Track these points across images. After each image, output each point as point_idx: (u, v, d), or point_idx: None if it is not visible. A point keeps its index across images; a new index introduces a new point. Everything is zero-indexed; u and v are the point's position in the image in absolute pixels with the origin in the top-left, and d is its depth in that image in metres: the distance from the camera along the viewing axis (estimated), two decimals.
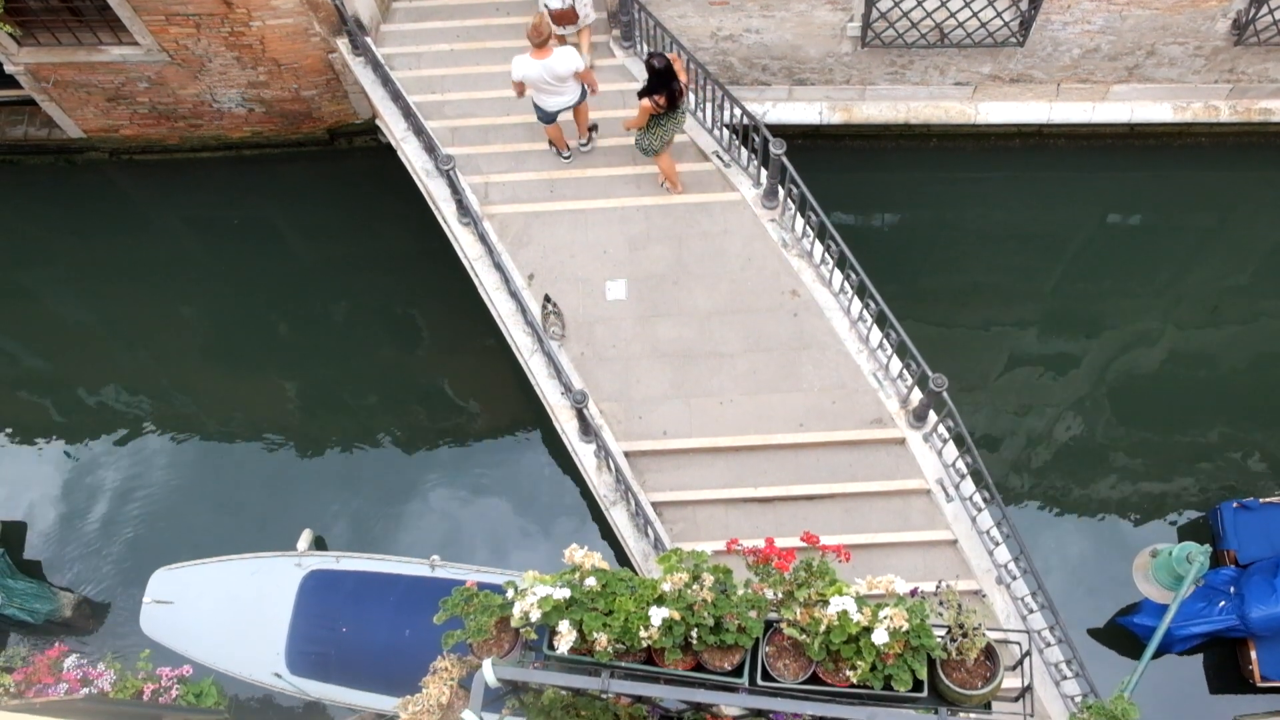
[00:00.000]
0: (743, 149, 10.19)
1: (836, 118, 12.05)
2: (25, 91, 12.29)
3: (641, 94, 9.16)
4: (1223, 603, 9.22)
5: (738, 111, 9.62)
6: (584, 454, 9.17)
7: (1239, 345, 11.38)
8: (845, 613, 5.52)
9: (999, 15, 10.57)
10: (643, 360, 9.54)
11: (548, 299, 9.53)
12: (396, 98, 10.68)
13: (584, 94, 9.88)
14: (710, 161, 10.37)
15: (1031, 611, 8.30)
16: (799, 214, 9.57)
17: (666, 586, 5.74)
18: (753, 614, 5.71)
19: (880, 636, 5.43)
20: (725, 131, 10.23)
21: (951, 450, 8.79)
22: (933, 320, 11.42)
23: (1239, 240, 12.18)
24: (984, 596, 8.54)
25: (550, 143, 10.49)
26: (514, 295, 9.48)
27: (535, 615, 5.69)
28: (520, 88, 9.55)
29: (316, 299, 12.52)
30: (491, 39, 11.45)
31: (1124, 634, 9.62)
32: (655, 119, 9.32)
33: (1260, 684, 9.34)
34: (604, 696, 5.96)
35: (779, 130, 9.98)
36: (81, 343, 12.60)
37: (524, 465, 11.19)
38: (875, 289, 8.61)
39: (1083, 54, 11.13)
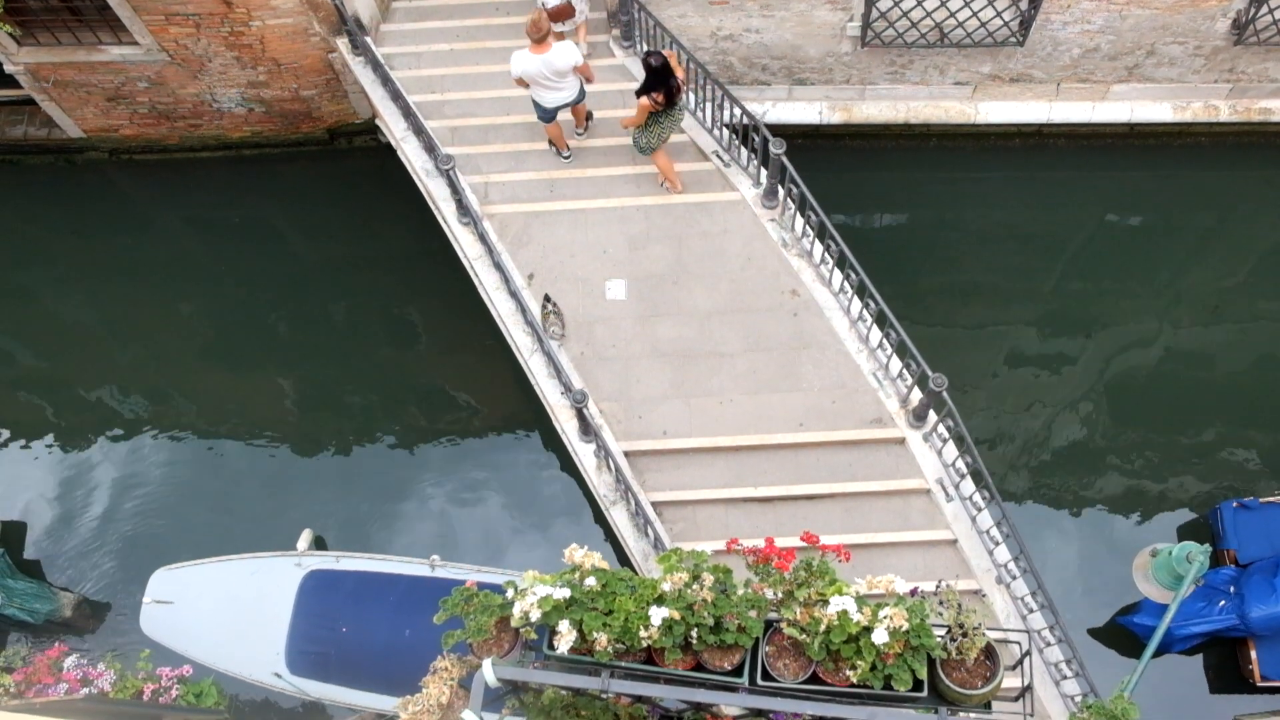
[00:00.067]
0: (742, 149, 10.19)
1: (836, 117, 12.05)
2: (25, 91, 12.28)
3: (639, 92, 9.18)
4: (1223, 602, 9.22)
5: (737, 111, 9.62)
6: (584, 454, 9.17)
7: (1239, 345, 11.38)
8: (845, 612, 5.52)
9: (999, 15, 10.57)
10: (642, 360, 9.54)
11: (547, 299, 9.54)
12: (396, 97, 10.68)
13: (583, 94, 9.88)
14: (710, 161, 10.37)
15: (1031, 611, 8.30)
16: (799, 214, 9.57)
17: (666, 586, 5.74)
18: (753, 614, 5.71)
19: (880, 636, 5.43)
20: (725, 131, 10.23)
21: (951, 450, 8.79)
22: (932, 320, 11.42)
23: (1239, 240, 12.17)
24: (984, 596, 8.54)
25: (550, 142, 10.49)
26: (514, 295, 9.48)
27: (535, 615, 5.69)
28: (521, 83, 9.57)
29: (316, 299, 12.52)
30: (491, 38, 11.45)
31: (1124, 633, 9.62)
32: (653, 116, 9.34)
33: (1260, 684, 9.34)
34: (604, 696, 5.96)
35: (779, 130, 9.97)
36: (81, 343, 12.60)
37: (524, 465, 11.19)
38: (875, 288, 8.62)
39: (1082, 53, 11.13)
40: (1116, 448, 10.81)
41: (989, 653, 5.72)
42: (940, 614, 5.71)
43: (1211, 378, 11.23)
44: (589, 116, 10.57)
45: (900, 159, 12.55)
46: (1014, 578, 8.36)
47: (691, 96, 10.39)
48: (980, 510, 8.58)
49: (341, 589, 9.37)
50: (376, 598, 9.25)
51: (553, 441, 10.68)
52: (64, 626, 10.37)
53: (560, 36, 10.07)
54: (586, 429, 8.96)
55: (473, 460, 11.28)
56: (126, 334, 12.65)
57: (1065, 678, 8.22)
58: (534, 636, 5.87)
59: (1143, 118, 11.90)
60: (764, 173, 9.93)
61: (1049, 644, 8.30)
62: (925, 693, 5.58)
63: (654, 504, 8.90)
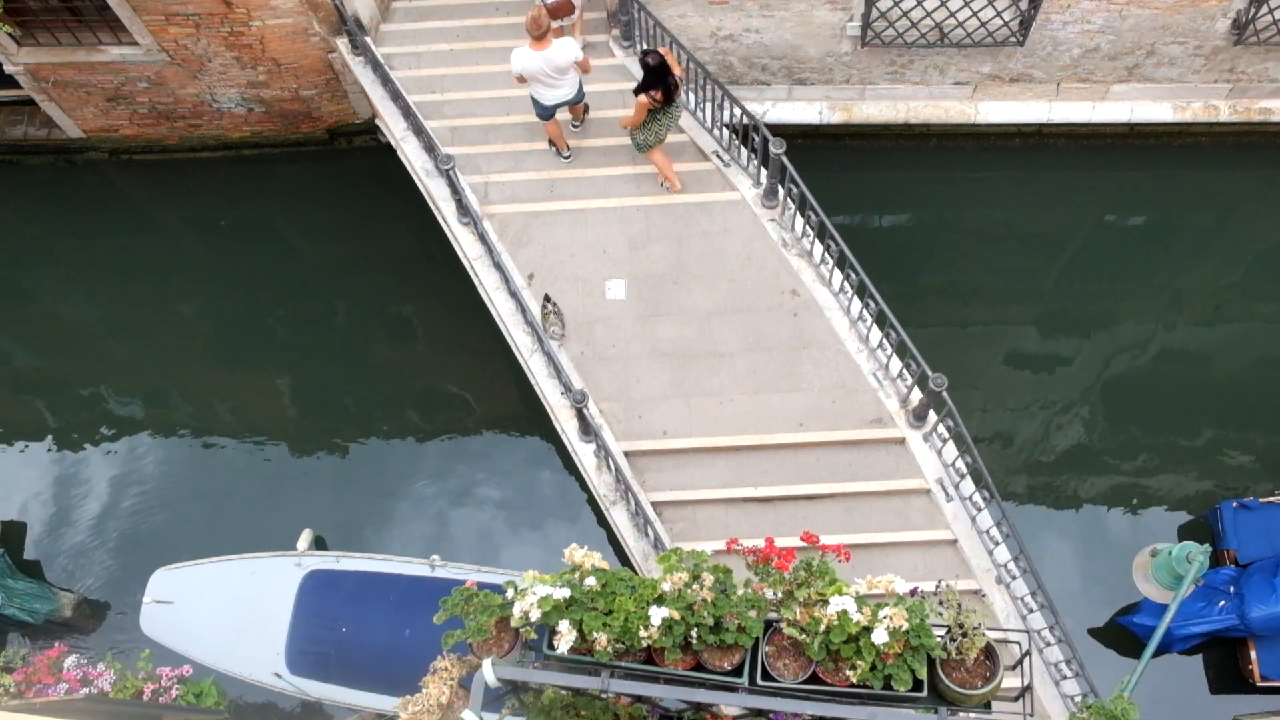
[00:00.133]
0: (742, 148, 10.19)
1: (836, 117, 12.05)
2: (25, 91, 12.28)
3: (637, 90, 9.20)
4: (1222, 602, 9.23)
5: (737, 111, 9.62)
6: (584, 454, 9.17)
7: (1239, 345, 11.38)
8: (845, 612, 5.52)
9: (999, 15, 10.56)
10: (642, 360, 9.54)
11: (547, 298, 9.54)
12: (396, 97, 10.68)
13: (581, 93, 9.90)
14: (710, 161, 10.37)
15: (1031, 611, 8.30)
16: (799, 213, 9.57)
17: (666, 586, 5.74)
18: (752, 614, 5.71)
19: (880, 636, 5.43)
20: (725, 131, 10.23)
21: (951, 450, 8.79)
22: (932, 320, 11.42)
23: (1239, 240, 12.17)
24: (984, 596, 8.54)
25: (550, 142, 10.50)
26: (514, 295, 9.48)
27: (535, 615, 5.69)
28: (522, 80, 9.58)
29: (316, 299, 12.52)
30: (491, 38, 11.45)
31: (1124, 633, 9.63)
32: (651, 114, 9.37)
33: (1260, 684, 9.34)
34: (604, 696, 5.96)
35: (779, 130, 9.97)
36: (81, 343, 12.60)
37: (524, 465, 11.19)
38: (875, 288, 8.62)
39: (1082, 53, 11.13)
40: (1116, 447, 10.81)
41: (989, 653, 5.72)
42: (940, 614, 5.71)
43: (1211, 377, 11.23)
44: (585, 110, 10.59)
45: (900, 159, 12.55)
46: (1014, 578, 8.36)
47: (691, 96, 10.40)
48: (980, 510, 8.58)
49: (341, 589, 9.37)
50: (376, 598, 9.25)
51: (553, 441, 10.69)
52: (64, 626, 10.37)
53: (560, 32, 10.08)
54: (586, 429, 8.96)
55: (473, 460, 11.29)
56: (126, 334, 12.65)
57: (1065, 678, 8.22)
58: (534, 636, 5.86)
59: (1143, 118, 11.90)
60: (764, 172, 9.93)
61: (1049, 644, 8.30)
62: (925, 693, 5.58)
63: (654, 504, 8.90)
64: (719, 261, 9.91)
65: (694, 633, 5.67)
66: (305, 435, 11.57)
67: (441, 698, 6.28)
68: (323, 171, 13.22)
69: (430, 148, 10.27)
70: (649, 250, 10.03)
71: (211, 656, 9.27)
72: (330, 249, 12.88)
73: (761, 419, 9.21)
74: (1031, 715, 5.94)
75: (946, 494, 8.81)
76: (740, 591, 5.83)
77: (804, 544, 6.27)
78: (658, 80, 9.09)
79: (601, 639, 5.62)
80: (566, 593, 5.73)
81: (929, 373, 8.20)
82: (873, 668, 5.51)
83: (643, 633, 5.61)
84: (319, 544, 10.41)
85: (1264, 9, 10.36)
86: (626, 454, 9.08)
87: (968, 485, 8.66)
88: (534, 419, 10.68)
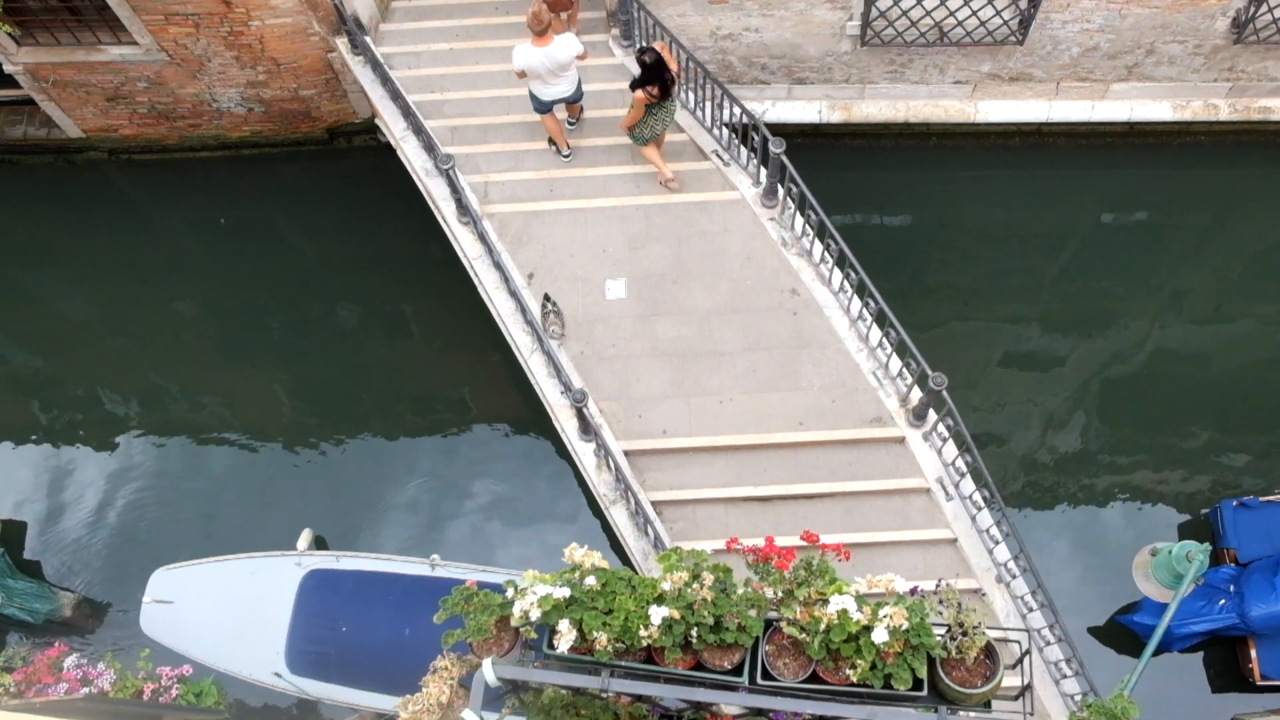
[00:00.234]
0: (742, 148, 10.19)
1: (836, 116, 12.05)
2: (24, 91, 12.28)
3: (634, 85, 9.25)
4: (1223, 601, 9.22)
5: (737, 110, 9.63)
6: (584, 453, 9.17)
7: (1239, 344, 11.38)
8: (845, 611, 5.52)
9: (998, 14, 10.56)
10: (642, 359, 9.54)
11: (547, 298, 9.53)
12: (395, 97, 10.68)
13: (580, 92, 9.91)
14: (710, 160, 10.37)
15: (1031, 610, 8.30)
16: (798, 213, 9.57)
17: (666, 585, 5.74)
18: (752, 613, 5.71)
19: (880, 635, 5.43)
20: (725, 130, 10.24)
21: (951, 449, 8.79)
22: (932, 319, 11.42)
23: (1239, 239, 12.17)
24: (984, 595, 8.54)
25: (550, 141, 10.50)
26: (513, 294, 9.48)
27: (535, 614, 5.69)
28: (522, 76, 9.59)
29: (316, 298, 12.52)
30: (490, 38, 11.45)
31: (1124, 632, 9.63)
32: (648, 109, 9.40)
33: (1260, 682, 9.34)
34: (604, 695, 5.96)
35: (778, 129, 9.98)
36: (80, 342, 12.59)
37: (523, 464, 11.19)
38: (874, 287, 8.62)
39: (1082, 52, 11.13)
40: (1116, 446, 10.81)
41: (989, 652, 5.71)
42: (940, 613, 5.71)
43: (1211, 376, 11.23)
44: (581, 110, 10.60)
45: (900, 158, 12.55)
46: (1014, 576, 8.36)
47: (691, 95, 10.40)
48: (980, 509, 8.58)
49: (341, 588, 9.37)
50: (376, 597, 9.25)
51: (552, 441, 10.69)
52: (64, 626, 10.37)
53: (559, 26, 10.09)
54: (586, 428, 8.96)
55: (472, 460, 11.28)
56: (126, 334, 12.65)
57: (1065, 676, 8.23)
58: (534, 636, 5.86)
59: (1142, 116, 11.91)
60: (763, 172, 9.93)
61: (1049, 643, 8.30)
62: (925, 692, 5.58)
63: (654, 503, 8.90)
64: (719, 261, 9.91)
65: (694, 632, 5.66)
66: (304, 435, 11.56)
67: (441, 697, 6.29)
68: (322, 171, 13.22)
69: (430, 147, 10.27)
70: (649, 249, 10.03)
71: (211, 656, 9.26)
72: (330, 249, 12.87)
73: (761, 418, 9.21)
74: (1031, 714, 5.94)
75: (946, 493, 8.81)
76: (740, 591, 5.83)
77: (804, 543, 6.27)
78: (654, 76, 9.14)
79: (601, 638, 5.62)
80: (566, 592, 5.73)
81: (929, 372, 8.20)
82: (873, 667, 5.51)
83: (643, 632, 5.60)
84: (319, 544, 10.41)
85: (1263, 8, 10.36)
86: (626, 453, 9.08)
87: (967, 484, 8.66)
88: (534, 418, 10.68)
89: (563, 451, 10.03)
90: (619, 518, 9.00)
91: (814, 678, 5.72)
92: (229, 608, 9.38)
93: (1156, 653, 6.86)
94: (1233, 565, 9.54)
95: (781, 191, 9.84)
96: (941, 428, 8.87)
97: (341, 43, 11.32)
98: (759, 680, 5.72)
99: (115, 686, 8.66)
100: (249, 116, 12.61)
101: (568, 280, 9.90)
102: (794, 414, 9.20)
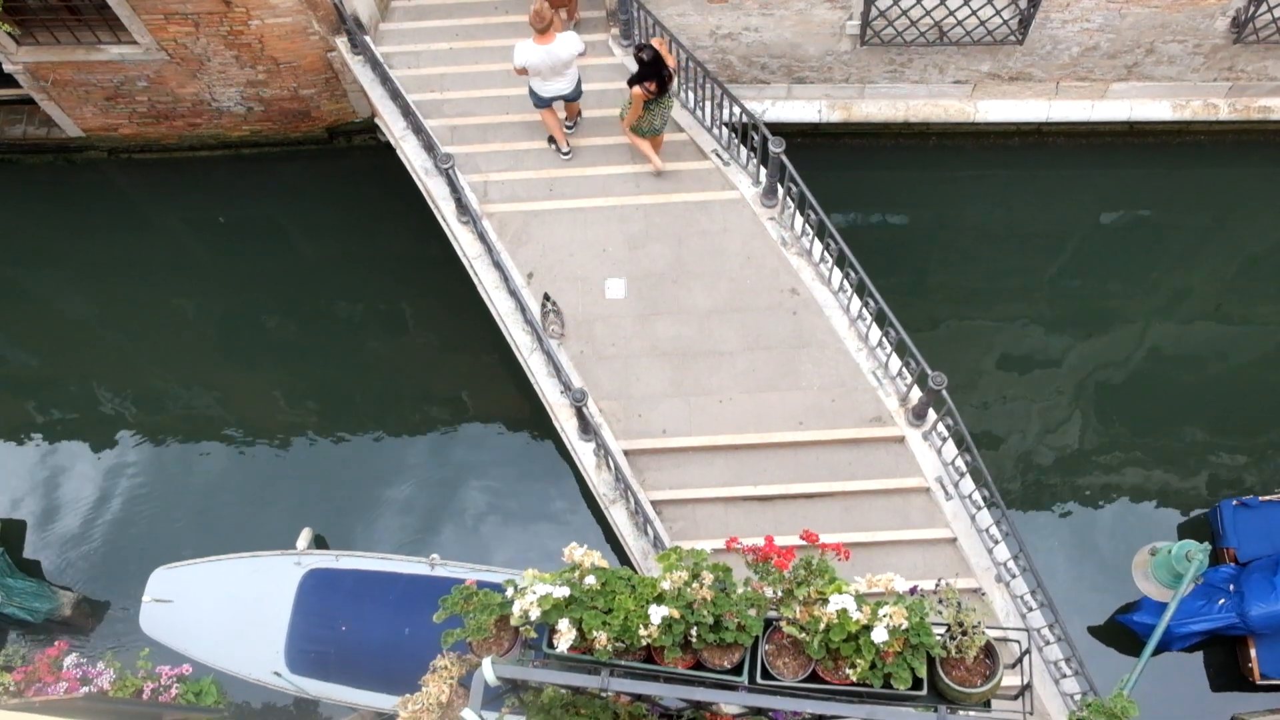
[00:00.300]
0: (742, 147, 10.19)
1: (835, 116, 12.05)
2: (24, 90, 12.28)
3: (631, 81, 9.28)
4: (1222, 600, 9.23)
5: (737, 110, 9.63)
6: (583, 452, 9.17)
7: (1239, 343, 11.38)
8: (845, 611, 5.52)
9: (998, 14, 10.56)
10: (642, 359, 9.54)
11: (547, 297, 9.53)
12: (395, 96, 10.68)
13: (579, 90, 9.92)
14: (709, 160, 10.37)
15: (1031, 609, 8.30)
16: (798, 212, 9.57)
17: (666, 585, 5.74)
18: (752, 612, 5.71)
19: (880, 634, 5.43)
20: (724, 130, 10.24)
21: (951, 448, 8.79)
22: (932, 318, 11.42)
23: (1239, 239, 12.17)
24: (983, 594, 8.54)
25: (550, 140, 10.50)
26: (513, 294, 9.48)
27: (535, 614, 5.69)
28: (522, 73, 9.60)
29: (315, 298, 12.52)
30: (490, 37, 11.44)
31: (1123, 632, 9.63)
32: (645, 104, 9.45)
33: (1260, 682, 9.34)
34: (604, 695, 5.96)
35: (778, 128, 9.98)
36: (80, 341, 12.59)
37: (523, 464, 11.18)
38: (874, 287, 8.62)
39: (1082, 52, 11.13)
40: (1116, 446, 10.81)
41: (988, 651, 5.72)
42: (940, 612, 5.71)
43: (1211, 376, 11.23)
44: (579, 112, 10.60)
45: (899, 158, 12.55)
46: (1013, 576, 8.36)
47: (691, 95, 10.41)
48: (980, 509, 8.59)
49: (341, 588, 9.37)
50: (376, 596, 9.25)
51: (552, 440, 10.69)
52: (63, 625, 10.37)
53: (559, 24, 10.10)
54: (586, 428, 8.96)
55: (472, 459, 11.28)
56: (125, 333, 12.65)
57: (1065, 676, 8.23)
58: (533, 635, 5.87)
59: (1142, 116, 11.91)
60: (763, 171, 9.93)
61: (1048, 642, 8.30)
62: (925, 691, 5.58)
63: (653, 502, 8.90)
64: (718, 260, 9.91)
65: (694, 631, 5.66)
66: (304, 434, 11.56)
67: (441, 696, 6.28)
68: (322, 170, 13.22)
69: (429, 146, 10.27)
70: (648, 249, 10.03)
71: (211, 655, 9.26)
72: (330, 248, 12.88)
73: (761, 417, 9.21)
74: (1031, 713, 5.94)
75: (946, 492, 8.81)
76: (740, 590, 5.83)
77: (804, 542, 6.27)
78: (652, 73, 9.20)
79: (601, 637, 5.62)
80: (566, 591, 5.73)
81: (928, 371, 8.20)
82: (872, 666, 5.51)
83: (642, 631, 5.60)
84: (319, 543, 10.41)
85: (1263, 7, 10.37)
86: (626, 453, 9.08)
87: (967, 484, 8.66)
88: (533, 418, 10.69)
89: (562, 451, 10.03)
90: (618, 517, 9.00)
91: (814, 677, 5.72)
92: (229, 607, 9.38)
93: (1156, 652, 6.87)
94: (1232, 565, 9.55)
95: (781, 191, 9.84)
96: (941, 427, 8.87)
97: (341, 42, 11.32)
98: (759, 679, 5.72)
99: (115, 685, 8.66)
100: (249, 116, 12.61)
101: (567, 279, 9.90)
102: (794, 413, 9.20)
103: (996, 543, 8.43)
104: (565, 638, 5.65)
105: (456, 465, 11.25)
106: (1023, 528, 8.26)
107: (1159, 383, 11.24)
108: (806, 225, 9.53)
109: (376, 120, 11.46)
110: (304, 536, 10.14)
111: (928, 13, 10.57)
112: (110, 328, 12.74)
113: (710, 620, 5.64)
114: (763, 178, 9.95)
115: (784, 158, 9.08)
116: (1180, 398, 11.13)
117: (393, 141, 10.86)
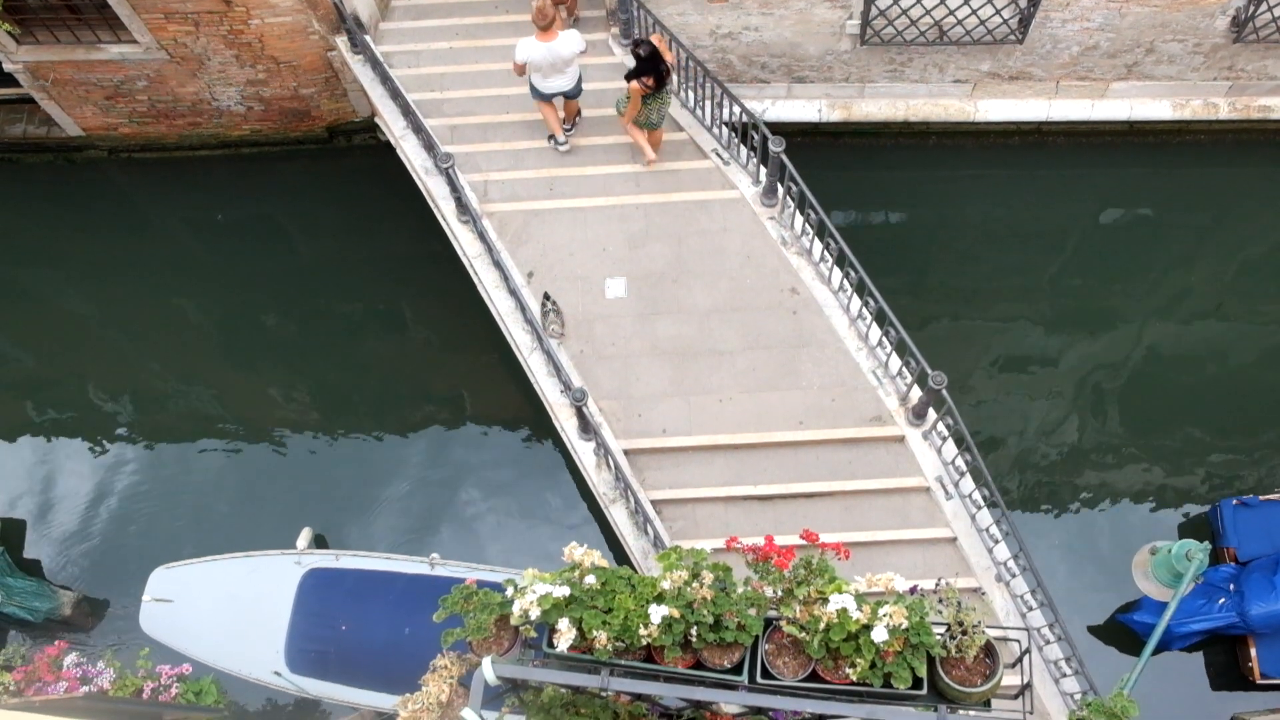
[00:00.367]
0: (742, 147, 10.19)
1: (836, 115, 12.05)
2: (24, 89, 12.27)
3: (629, 76, 9.31)
4: (1222, 600, 9.23)
5: (737, 109, 9.63)
6: (583, 452, 9.17)
7: (1239, 342, 11.38)
8: (845, 610, 5.52)
9: (998, 13, 10.56)
10: (642, 358, 9.54)
11: (547, 297, 9.53)
12: (395, 95, 10.67)
13: (579, 88, 9.92)
14: (709, 159, 10.36)
15: (1031, 609, 8.30)
16: (798, 212, 9.57)
17: (666, 584, 5.74)
18: (752, 612, 5.71)
19: (880, 634, 5.43)
20: (724, 129, 10.23)
21: (951, 448, 8.79)
22: (932, 318, 11.42)
23: (1238, 238, 12.17)
24: (983, 594, 8.54)
25: (550, 137, 10.49)
26: (513, 293, 9.47)
27: (535, 613, 5.69)
28: (520, 69, 9.60)
29: (315, 297, 12.51)
30: (490, 37, 11.44)
31: (1123, 631, 9.63)
32: (643, 99, 9.48)
33: (1260, 681, 9.35)
34: (604, 694, 5.96)
35: (778, 128, 9.97)
36: (80, 341, 12.59)
37: (523, 463, 11.18)
38: (874, 286, 8.62)
39: (1082, 51, 11.13)
40: (1116, 445, 10.81)
41: (988, 650, 5.72)
42: (940, 612, 5.71)
43: (1211, 375, 11.23)
44: (578, 113, 10.59)
45: (899, 157, 12.54)
46: (1013, 575, 8.36)
47: (691, 94, 10.40)
48: (980, 508, 8.59)
49: (341, 587, 9.37)
50: (376, 596, 9.26)
51: (552, 440, 10.69)
52: (64, 625, 10.37)
53: (560, 21, 10.10)
54: (586, 427, 8.96)
55: (472, 458, 11.28)
56: (126, 332, 12.64)
57: (1065, 675, 8.23)
58: (533, 634, 5.87)
59: (1142, 115, 11.90)
60: (763, 171, 9.93)
61: (1048, 642, 8.30)
62: (925, 690, 5.58)
63: (653, 502, 8.90)
64: (718, 260, 9.90)
65: (694, 631, 5.67)
66: (304, 433, 11.56)
67: (441, 696, 6.29)
68: (322, 170, 13.22)
69: (429, 146, 10.26)
70: (648, 248, 10.03)
71: (211, 655, 9.27)
72: (330, 247, 12.88)
73: (761, 417, 9.21)
74: (1031, 713, 5.94)
75: (946, 492, 8.81)
76: (740, 589, 5.83)
77: (804, 542, 6.27)
78: (649, 68, 9.23)
79: (601, 637, 5.62)
80: (566, 591, 5.73)
81: (928, 370, 8.20)
82: (872, 665, 5.51)
83: (642, 631, 5.61)
84: (319, 542, 10.41)
85: (1263, 7, 10.36)
86: (626, 452, 9.08)
87: (967, 483, 8.66)
88: (533, 417, 10.69)
89: (562, 450, 10.03)
90: (618, 517, 9.00)
91: (814, 676, 5.72)
92: (229, 606, 9.38)
93: (1156, 651, 6.87)
94: (1232, 564, 9.55)
95: (781, 190, 9.84)
96: (941, 426, 8.87)
97: (341, 41, 11.31)
98: (759, 679, 5.72)
99: (115, 685, 8.67)
100: (249, 115, 12.61)
101: (567, 279, 9.89)
102: (794, 413, 9.20)
103: (996, 542, 8.43)
104: (565, 637, 5.65)
105: (456, 464, 11.25)
106: (1022, 527, 8.26)
107: (1159, 382, 11.24)
108: (806, 224, 9.53)
109: (376, 119, 11.46)
110: (304, 536, 10.14)
111: (928, 12, 10.57)
112: (110, 327, 12.73)
113: (710, 620, 5.64)
114: (763, 177, 9.95)
115: (784, 157, 9.07)
116: (1180, 397, 11.13)
117: (393, 141, 10.86)
